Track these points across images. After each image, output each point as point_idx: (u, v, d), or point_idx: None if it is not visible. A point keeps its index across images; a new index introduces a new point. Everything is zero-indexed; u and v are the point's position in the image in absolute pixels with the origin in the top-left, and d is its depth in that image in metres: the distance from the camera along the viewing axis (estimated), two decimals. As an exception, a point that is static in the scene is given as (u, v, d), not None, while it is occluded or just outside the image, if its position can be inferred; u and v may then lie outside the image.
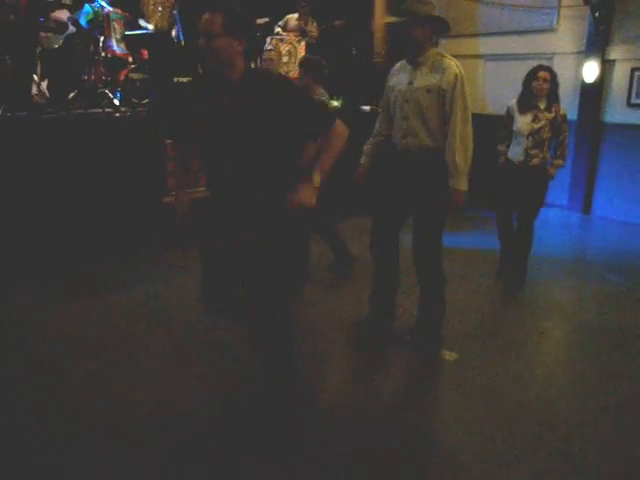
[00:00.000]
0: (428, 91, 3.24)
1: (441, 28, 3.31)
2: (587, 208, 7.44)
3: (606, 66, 7.05)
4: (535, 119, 4.42)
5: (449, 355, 3.53)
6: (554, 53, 7.62)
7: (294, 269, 2.88)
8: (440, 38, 8.88)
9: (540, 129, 4.41)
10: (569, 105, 7.40)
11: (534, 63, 7.58)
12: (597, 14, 6.86)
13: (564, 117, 4.49)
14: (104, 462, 2.53)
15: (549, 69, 4.46)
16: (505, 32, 8.07)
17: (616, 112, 7.06)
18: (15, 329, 3.84)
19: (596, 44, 7.00)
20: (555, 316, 4.28)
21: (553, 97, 4.45)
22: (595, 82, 7.08)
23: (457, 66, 3.24)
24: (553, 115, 4.43)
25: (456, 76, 3.21)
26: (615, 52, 6.95)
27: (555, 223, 7.07)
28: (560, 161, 4.58)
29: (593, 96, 7.16)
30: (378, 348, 3.65)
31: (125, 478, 2.45)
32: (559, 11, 7.45)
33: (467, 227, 6.36)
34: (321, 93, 4.76)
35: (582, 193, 7.43)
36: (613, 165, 7.16)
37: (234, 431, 2.75)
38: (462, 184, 3.25)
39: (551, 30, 7.59)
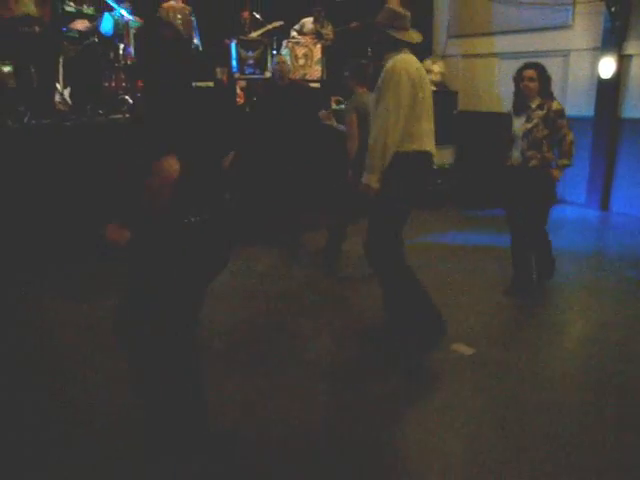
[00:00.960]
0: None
1: (392, 41, 3.43)
2: (605, 205, 7.40)
3: (623, 61, 7.01)
4: (528, 119, 4.23)
5: (466, 349, 3.58)
6: (570, 50, 7.60)
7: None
8: (451, 37, 8.95)
9: (532, 128, 4.19)
10: (586, 101, 7.41)
11: (550, 60, 7.67)
12: (613, 9, 6.83)
13: (558, 112, 4.18)
14: (126, 458, 2.63)
15: (535, 65, 4.24)
16: (520, 30, 8.06)
17: (633, 107, 7.02)
18: (44, 328, 3.96)
19: (612, 40, 6.97)
20: (572, 312, 4.30)
21: (544, 93, 4.21)
22: (612, 78, 7.05)
23: (396, 61, 3.33)
24: (545, 112, 4.18)
25: (386, 70, 3.33)
26: (632, 47, 6.91)
27: (573, 220, 7.05)
28: (565, 160, 4.27)
29: (610, 92, 7.12)
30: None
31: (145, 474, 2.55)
32: (574, 7, 7.43)
33: (484, 225, 6.39)
34: (361, 93, 4.92)
35: (600, 190, 7.40)
36: (631, 161, 7.12)
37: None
38: (368, 178, 3.34)
39: (567, 27, 7.57)
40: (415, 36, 3.53)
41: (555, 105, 4.18)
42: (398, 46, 3.44)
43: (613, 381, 3.26)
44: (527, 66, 4.23)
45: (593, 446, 2.67)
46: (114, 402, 3.04)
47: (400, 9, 3.55)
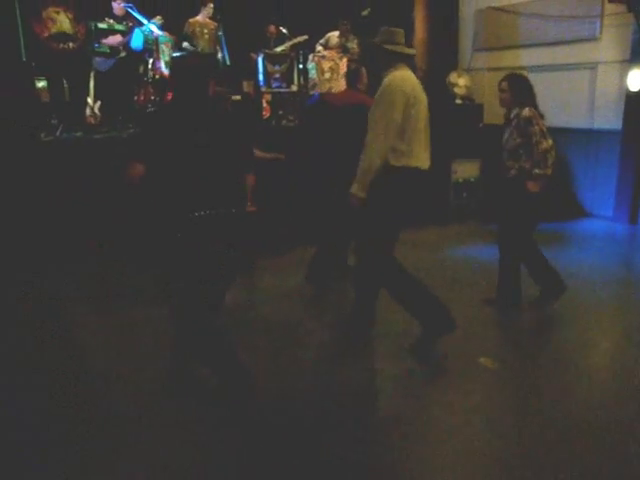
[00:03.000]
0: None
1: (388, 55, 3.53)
2: (634, 219, 7.28)
3: (652, 74, 6.93)
4: (506, 129, 4.19)
5: (490, 363, 3.56)
6: (598, 62, 7.53)
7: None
8: (477, 51, 8.95)
9: (508, 138, 4.13)
10: (614, 115, 7.33)
11: (578, 73, 7.68)
12: (641, 22, 6.77)
13: (526, 119, 4.01)
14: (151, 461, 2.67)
15: (508, 77, 4.21)
16: (548, 43, 8.02)
17: (663, 121, 6.93)
18: (67, 337, 4.05)
19: (641, 52, 6.90)
20: (597, 327, 4.24)
21: (517, 103, 4.10)
22: (640, 91, 6.97)
23: (393, 78, 3.43)
24: (517, 120, 4.07)
25: (383, 86, 3.43)
26: (661, 60, 6.84)
27: (600, 234, 6.96)
28: (537, 170, 4.00)
29: (638, 105, 7.04)
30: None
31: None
32: (602, 20, 7.37)
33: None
34: None
35: (628, 203, 7.28)
36: (660, 174, 7.01)
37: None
38: (354, 188, 3.45)
39: (594, 39, 7.50)
40: (408, 49, 3.68)
41: (524, 112, 4.04)
42: (393, 61, 3.53)
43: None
44: (503, 78, 4.23)
45: (622, 456, 2.64)
46: (116, 401, 3.11)
47: (394, 28, 3.65)
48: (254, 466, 2.66)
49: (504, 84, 4.19)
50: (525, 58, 8.38)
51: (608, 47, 7.40)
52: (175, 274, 2.92)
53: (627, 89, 7.10)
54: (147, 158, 2.76)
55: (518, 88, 4.15)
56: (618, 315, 4.48)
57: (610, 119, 7.40)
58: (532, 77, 8.19)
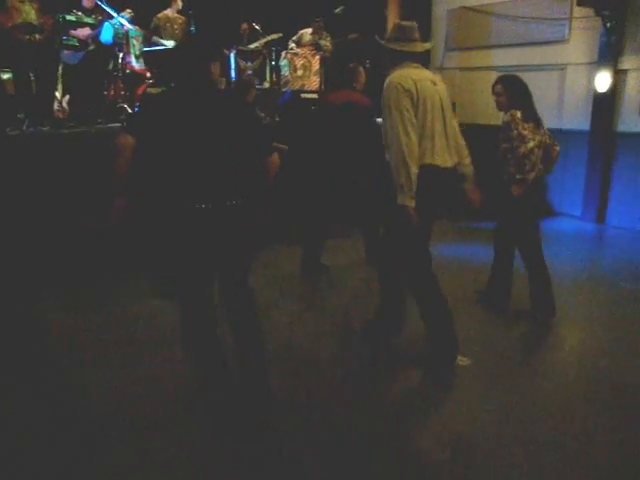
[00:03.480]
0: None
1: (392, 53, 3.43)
2: (601, 218, 7.43)
3: (618, 76, 7.07)
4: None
5: (462, 360, 3.58)
6: (567, 64, 7.67)
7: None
8: (449, 51, 9.02)
9: (499, 142, 4.08)
10: (582, 115, 7.46)
11: (547, 74, 7.79)
12: (609, 25, 6.90)
13: (506, 123, 3.97)
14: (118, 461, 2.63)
15: (502, 80, 4.10)
16: (517, 44, 8.13)
17: (629, 121, 7.07)
18: (37, 336, 3.96)
19: (608, 54, 7.03)
20: (568, 323, 4.31)
21: (512, 107, 4.00)
22: (607, 92, 7.10)
23: (391, 78, 3.29)
24: (502, 124, 4.05)
25: (384, 89, 3.29)
26: (627, 62, 6.97)
27: (568, 233, 7.08)
28: (518, 175, 3.95)
29: (606, 106, 7.18)
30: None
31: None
32: (571, 22, 7.51)
33: (479, 237, 6.41)
34: None
35: (596, 203, 7.43)
36: (627, 174, 7.16)
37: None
38: (399, 199, 3.22)
39: (563, 41, 7.64)
40: (419, 46, 3.46)
41: (506, 117, 4.00)
42: (400, 59, 3.40)
43: (609, 390, 3.27)
44: (496, 81, 4.13)
45: (594, 451, 2.68)
46: (112, 406, 3.04)
47: (405, 22, 3.51)
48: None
49: (499, 87, 4.07)
50: (496, 58, 8.49)
51: (576, 49, 7.54)
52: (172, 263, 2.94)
53: (595, 90, 7.24)
54: (140, 135, 2.70)
55: (513, 90, 4.04)
56: (587, 312, 4.55)
57: (578, 120, 7.54)
58: (503, 77, 8.34)
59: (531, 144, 3.91)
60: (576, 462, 2.65)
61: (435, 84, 3.40)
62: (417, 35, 3.46)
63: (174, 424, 2.91)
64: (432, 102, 3.32)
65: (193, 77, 2.79)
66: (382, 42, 3.49)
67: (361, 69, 5.16)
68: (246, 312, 3.00)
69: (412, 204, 3.19)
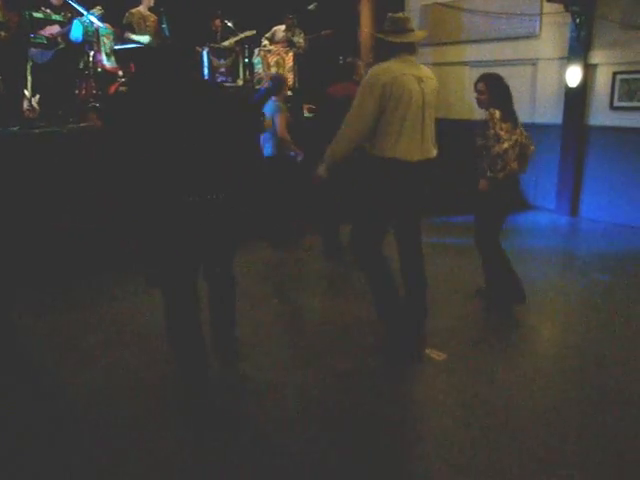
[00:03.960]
0: None
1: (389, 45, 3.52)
2: (575, 210, 7.54)
3: (589, 70, 7.17)
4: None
5: (437, 355, 3.60)
6: (538, 59, 7.76)
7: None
8: (422, 46, 9.05)
9: (476, 138, 4.13)
10: (554, 109, 7.55)
11: (518, 69, 7.85)
12: (578, 20, 6.99)
13: (485, 122, 4.04)
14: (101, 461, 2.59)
15: (485, 78, 4.14)
16: (489, 39, 8.21)
17: (600, 115, 7.18)
18: (14, 339, 3.90)
19: (578, 49, 7.13)
20: (542, 314, 4.36)
21: (493, 105, 4.04)
22: (578, 86, 7.20)
23: (373, 70, 3.45)
24: (481, 121, 4.13)
25: (365, 77, 3.52)
26: (597, 57, 7.08)
27: (543, 226, 7.18)
28: (489, 173, 4.00)
29: (577, 100, 7.28)
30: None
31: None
32: (541, 18, 7.59)
33: (451, 232, 6.46)
34: None
35: (569, 196, 7.54)
36: (599, 167, 7.27)
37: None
38: (319, 169, 3.62)
39: (534, 36, 7.72)
40: (414, 36, 3.58)
41: (486, 115, 4.06)
42: (396, 50, 3.48)
43: (583, 381, 3.32)
44: (479, 79, 4.18)
45: (569, 441, 2.71)
46: (104, 412, 3.01)
47: (397, 14, 3.60)
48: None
49: (481, 85, 4.12)
50: (468, 53, 8.56)
51: (547, 44, 7.63)
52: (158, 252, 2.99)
53: (566, 85, 7.34)
54: (120, 128, 2.83)
55: (495, 89, 4.09)
56: (561, 302, 4.61)
57: (551, 114, 7.63)
58: (475, 72, 8.40)
59: (505, 145, 3.96)
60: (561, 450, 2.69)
61: (422, 81, 3.48)
62: (411, 25, 3.56)
63: (167, 422, 2.90)
64: (409, 97, 3.39)
65: (181, 74, 2.91)
66: (378, 35, 3.57)
67: (360, 62, 5.45)
68: (227, 299, 3.23)
69: (324, 175, 3.60)
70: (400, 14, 3.59)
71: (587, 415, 2.99)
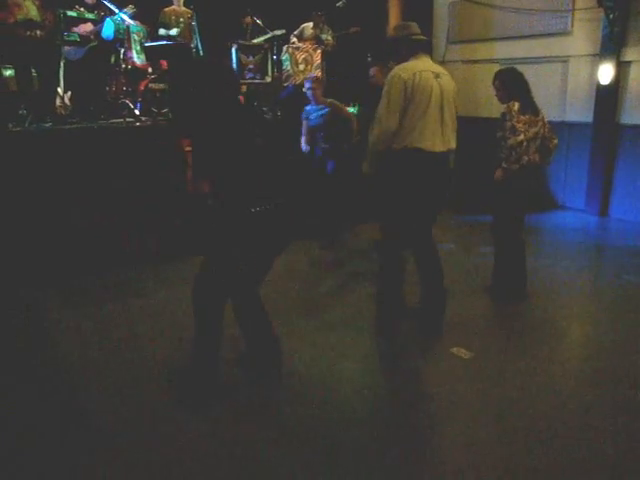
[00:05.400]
0: None
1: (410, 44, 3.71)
2: (604, 210, 7.42)
3: (621, 68, 7.04)
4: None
5: (464, 353, 3.59)
6: (569, 56, 7.64)
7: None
8: (451, 43, 9.00)
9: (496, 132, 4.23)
10: (585, 107, 7.43)
11: (549, 67, 7.76)
12: (611, 16, 6.87)
13: (502, 114, 4.16)
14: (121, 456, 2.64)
15: (499, 75, 4.28)
16: (520, 36, 8.09)
17: (632, 113, 7.05)
18: (44, 331, 3.99)
19: (611, 46, 7.00)
20: (571, 314, 4.31)
21: (512, 98, 4.15)
22: (611, 84, 7.07)
23: (395, 69, 3.60)
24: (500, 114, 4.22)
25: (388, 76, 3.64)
26: (631, 53, 6.94)
27: (572, 225, 7.07)
28: (504, 164, 4.13)
29: (609, 98, 7.15)
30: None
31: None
32: (573, 14, 7.47)
33: (479, 231, 6.40)
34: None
35: (599, 195, 7.41)
36: (630, 166, 7.14)
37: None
38: (363, 166, 3.76)
39: (566, 33, 7.60)
40: (423, 37, 3.78)
41: (504, 108, 4.16)
42: (415, 49, 3.68)
43: (611, 381, 3.27)
44: (494, 76, 4.29)
45: (592, 442, 2.69)
46: (118, 407, 3.06)
47: (403, 22, 3.92)
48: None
49: (497, 83, 4.26)
50: (498, 51, 8.46)
51: (579, 41, 7.50)
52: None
53: (598, 82, 7.21)
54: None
55: (509, 83, 4.21)
56: (589, 303, 4.55)
57: (582, 112, 7.51)
58: (505, 70, 8.30)
59: (521, 137, 4.05)
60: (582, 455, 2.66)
61: (438, 76, 3.65)
62: (418, 31, 3.81)
63: (174, 422, 2.94)
64: (430, 92, 3.58)
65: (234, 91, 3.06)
66: (402, 35, 3.74)
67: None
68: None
69: (367, 171, 3.75)
70: (407, 22, 3.88)
71: (620, 417, 2.95)
